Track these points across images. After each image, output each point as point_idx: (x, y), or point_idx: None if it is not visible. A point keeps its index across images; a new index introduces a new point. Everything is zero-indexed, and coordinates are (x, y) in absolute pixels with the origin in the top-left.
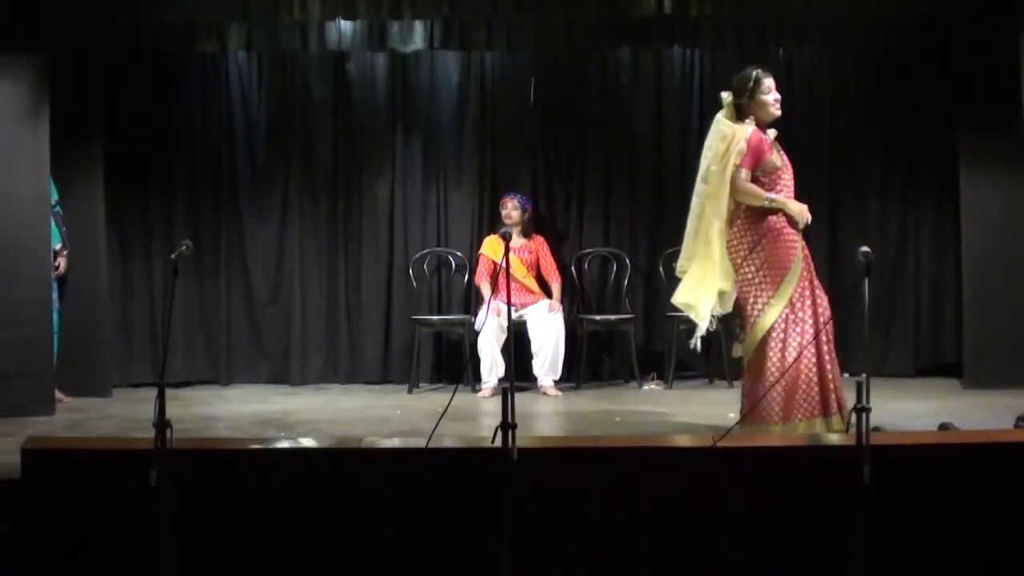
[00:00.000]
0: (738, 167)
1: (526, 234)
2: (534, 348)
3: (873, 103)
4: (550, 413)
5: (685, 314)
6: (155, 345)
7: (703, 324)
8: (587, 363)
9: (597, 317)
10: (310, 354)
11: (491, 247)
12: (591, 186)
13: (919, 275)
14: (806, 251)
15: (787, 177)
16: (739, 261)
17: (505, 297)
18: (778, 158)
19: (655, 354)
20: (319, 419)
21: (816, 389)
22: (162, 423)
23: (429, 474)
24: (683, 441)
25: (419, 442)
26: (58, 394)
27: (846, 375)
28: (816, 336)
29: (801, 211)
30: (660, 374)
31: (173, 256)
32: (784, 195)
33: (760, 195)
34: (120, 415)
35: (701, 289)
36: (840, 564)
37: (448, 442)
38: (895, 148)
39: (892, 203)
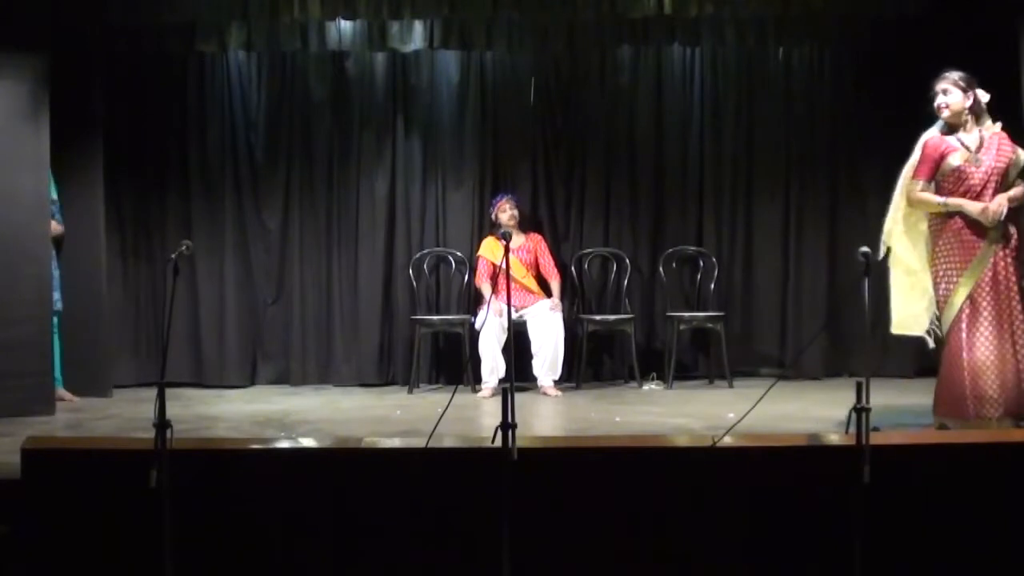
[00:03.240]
0: (913, 179)
1: (523, 231)
2: (534, 348)
3: (873, 103)
4: (550, 413)
5: (684, 314)
6: (155, 345)
7: (923, 332)
8: (587, 363)
9: (597, 317)
10: (310, 354)
11: (489, 249)
12: (591, 186)
13: None
14: (1003, 253)
15: (975, 178)
16: (931, 258)
17: (505, 298)
18: (959, 157)
19: (655, 354)
20: (319, 419)
21: (999, 386)
22: (162, 423)
23: (429, 474)
24: (683, 441)
25: (419, 442)
26: (66, 394)
27: (845, 375)
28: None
29: (981, 211)
30: (660, 374)
31: (173, 256)
32: (969, 196)
33: (932, 202)
34: (120, 415)
35: (911, 307)
36: (840, 564)
37: (448, 442)
38: (895, 148)
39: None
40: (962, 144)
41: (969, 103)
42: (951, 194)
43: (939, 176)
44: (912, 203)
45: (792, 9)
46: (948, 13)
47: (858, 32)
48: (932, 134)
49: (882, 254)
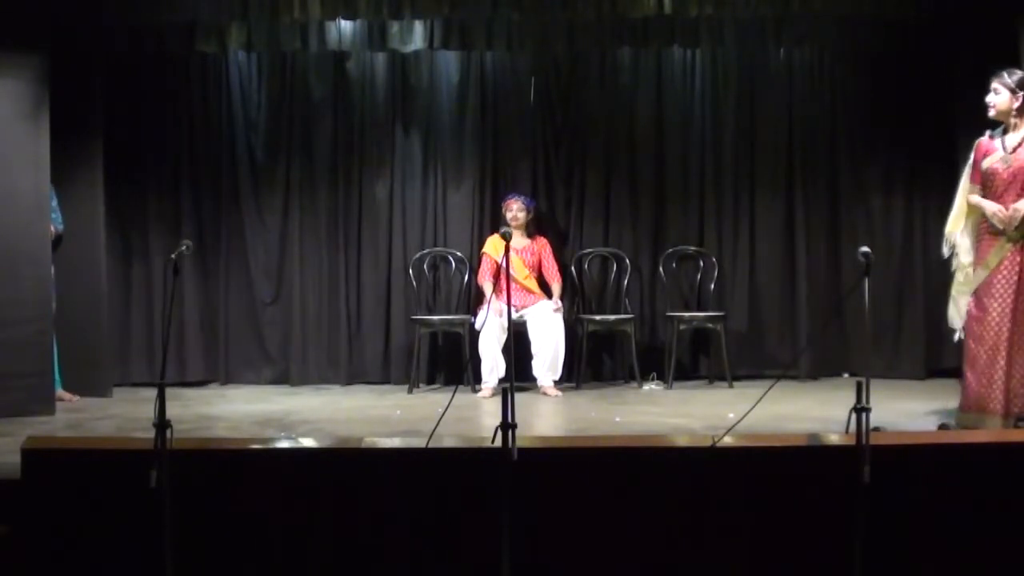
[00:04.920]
0: (970, 182)
1: (529, 235)
2: (534, 348)
3: (873, 103)
4: (550, 413)
5: (684, 314)
6: (155, 345)
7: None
8: (587, 363)
9: (597, 317)
10: (310, 354)
11: (493, 246)
12: (591, 186)
13: (926, 277)
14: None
15: (1002, 180)
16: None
17: (505, 297)
18: (994, 158)
19: (655, 354)
20: (319, 419)
21: (1003, 385)
22: (162, 423)
23: (429, 474)
24: (683, 441)
25: (419, 442)
26: (65, 394)
27: (846, 375)
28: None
29: (993, 213)
30: (660, 374)
31: (173, 256)
32: (994, 195)
33: (972, 203)
34: (120, 415)
35: (958, 302)
36: (840, 564)
37: (448, 442)
38: (896, 148)
39: (895, 203)
40: (1003, 145)
41: (1017, 104)
42: (987, 193)
43: (983, 179)
44: (969, 206)
45: (792, 9)
46: (948, 13)
47: (858, 32)
48: (984, 136)
49: (946, 254)
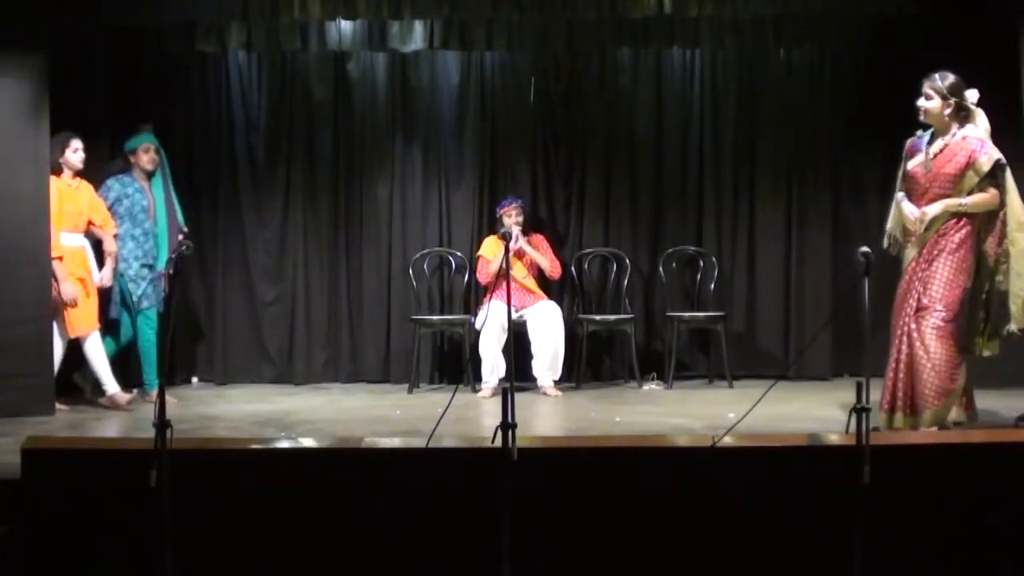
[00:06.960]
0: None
1: (524, 234)
2: (534, 348)
3: (873, 103)
4: (550, 413)
5: (684, 314)
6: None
7: None
8: (587, 363)
9: (597, 317)
10: (311, 354)
11: (490, 249)
12: (591, 186)
13: None
14: (927, 251)
15: (919, 184)
16: None
17: (505, 297)
18: (915, 162)
19: (655, 354)
20: (319, 419)
21: (888, 383)
22: (162, 423)
23: (429, 474)
24: (683, 441)
25: (419, 442)
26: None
27: (846, 375)
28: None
29: (905, 215)
30: (660, 374)
31: (173, 256)
32: (913, 199)
33: (897, 201)
34: (120, 415)
35: None
36: (840, 564)
37: (448, 442)
38: (896, 147)
39: (891, 204)
40: (927, 149)
41: (949, 111)
42: (909, 196)
43: (906, 178)
44: None
45: (792, 9)
46: (948, 13)
47: (858, 32)
48: (914, 136)
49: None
